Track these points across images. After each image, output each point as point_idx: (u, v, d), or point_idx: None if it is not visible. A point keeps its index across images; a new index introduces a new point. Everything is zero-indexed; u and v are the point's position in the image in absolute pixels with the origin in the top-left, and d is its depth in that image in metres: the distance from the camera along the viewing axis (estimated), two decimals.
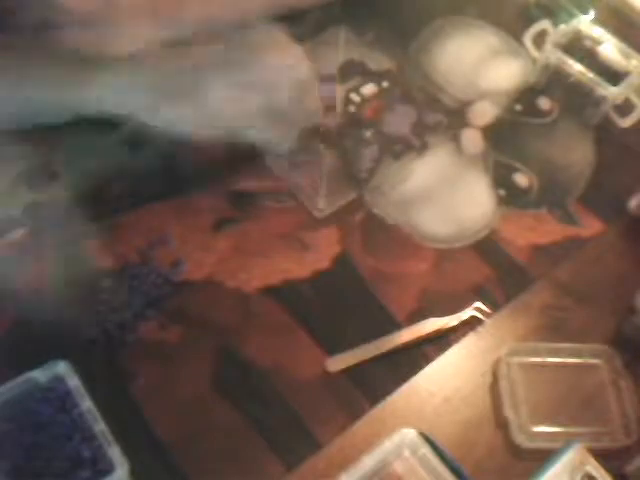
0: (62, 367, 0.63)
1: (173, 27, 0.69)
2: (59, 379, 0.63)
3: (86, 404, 0.62)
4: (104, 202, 0.77)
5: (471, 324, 0.74)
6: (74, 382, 0.63)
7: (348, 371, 0.70)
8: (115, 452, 0.60)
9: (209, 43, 0.66)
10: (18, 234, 0.74)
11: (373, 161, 0.83)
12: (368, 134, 0.84)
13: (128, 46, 0.65)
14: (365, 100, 0.86)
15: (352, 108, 0.85)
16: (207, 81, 0.65)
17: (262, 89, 0.66)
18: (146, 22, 0.67)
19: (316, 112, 0.72)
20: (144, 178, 0.78)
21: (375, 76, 0.89)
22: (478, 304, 0.75)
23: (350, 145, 0.83)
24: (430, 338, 0.73)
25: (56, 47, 0.62)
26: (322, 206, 0.79)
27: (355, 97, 0.86)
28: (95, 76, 0.64)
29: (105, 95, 0.64)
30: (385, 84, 0.88)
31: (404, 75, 0.90)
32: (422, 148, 0.84)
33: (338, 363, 0.71)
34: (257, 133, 0.68)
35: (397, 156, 0.83)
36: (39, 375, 0.63)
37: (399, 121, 0.86)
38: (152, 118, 0.65)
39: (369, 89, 0.87)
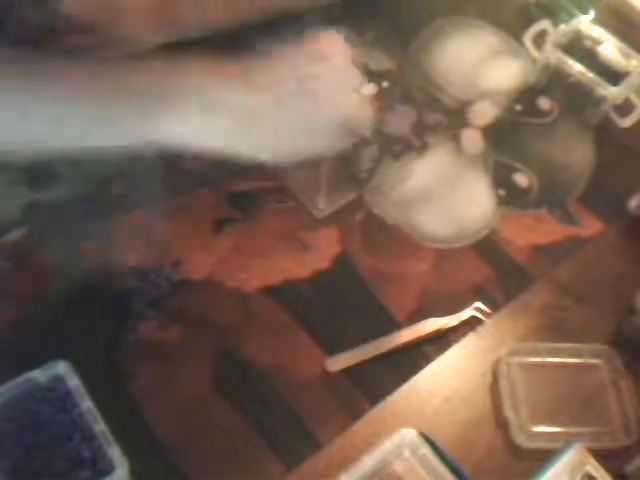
0: (62, 367, 0.63)
1: (175, 28, 0.68)
2: (59, 379, 0.63)
3: (86, 404, 0.62)
4: (104, 202, 0.77)
5: (471, 324, 0.74)
6: (74, 382, 0.63)
7: (348, 371, 0.70)
8: (115, 452, 0.60)
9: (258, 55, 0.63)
10: (18, 234, 0.74)
11: (373, 161, 0.83)
12: (368, 134, 0.84)
13: (131, 49, 0.64)
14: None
15: None
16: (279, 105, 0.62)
17: (327, 104, 0.63)
18: (148, 25, 0.66)
19: (369, 114, 0.69)
20: (144, 178, 0.78)
21: (375, 76, 0.88)
22: (478, 304, 0.75)
23: (350, 145, 0.83)
24: (430, 338, 0.73)
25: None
26: (322, 206, 0.79)
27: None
28: (172, 110, 0.59)
29: (182, 129, 0.59)
30: (385, 84, 0.88)
31: (404, 75, 0.90)
32: (422, 148, 0.84)
33: (338, 363, 0.71)
34: (326, 146, 0.66)
35: (397, 156, 0.83)
36: (39, 375, 0.63)
37: (399, 121, 0.86)
38: (232, 150, 0.62)
39: (369, 89, 0.87)
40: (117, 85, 0.58)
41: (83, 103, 0.58)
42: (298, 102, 0.61)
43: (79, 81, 0.57)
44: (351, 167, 0.82)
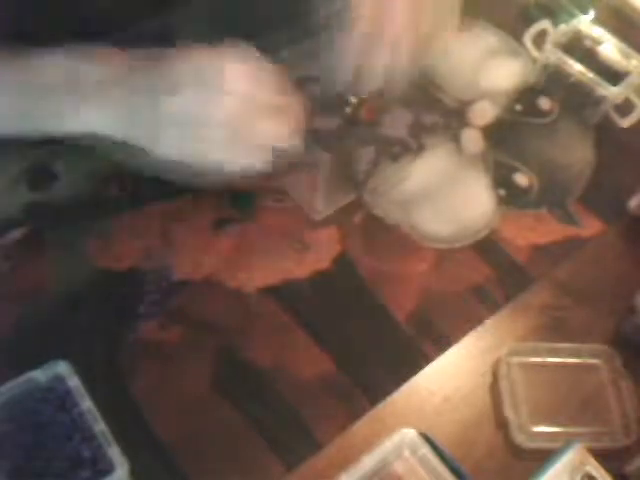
0: (62, 367, 0.63)
1: None
2: (59, 379, 0.63)
3: (86, 404, 0.62)
4: (104, 202, 0.77)
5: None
6: (74, 382, 0.63)
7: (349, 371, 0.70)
8: (115, 452, 0.60)
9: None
10: (18, 234, 0.74)
11: (370, 163, 0.82)
12: (365, 136, 0.84)
13: None
14: (362, 101, 0.86)
15: (349, 109, 0.85)
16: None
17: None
18: None
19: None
20: (144, 178, 0.78)
21: None
22: None
23: (347, 147, 0.83)
24: (430, 338, 0.73)
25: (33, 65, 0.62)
26: (320, 208, 0.79)
27: (352, 98, 0.86)
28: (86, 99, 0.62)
29: (96, 120, 0.63)
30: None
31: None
32: (419, 150, 0.84)
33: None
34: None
35: (395, 158, 0.83)
36: (39, 375, 0.63)
37: (396, 122, 0.86)
38: (153, 146, 0.64)
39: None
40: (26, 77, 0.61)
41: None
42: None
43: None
44: (349, 169, 0.82)
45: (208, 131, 0.64)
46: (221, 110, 0.64)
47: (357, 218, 0.80)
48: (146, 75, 0.64)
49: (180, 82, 0.63)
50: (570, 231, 0.82)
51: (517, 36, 0.93)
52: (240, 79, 0.64)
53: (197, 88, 0.63)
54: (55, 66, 0.62)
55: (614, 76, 0.87)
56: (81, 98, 0.62)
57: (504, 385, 0.70)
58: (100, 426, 0.61)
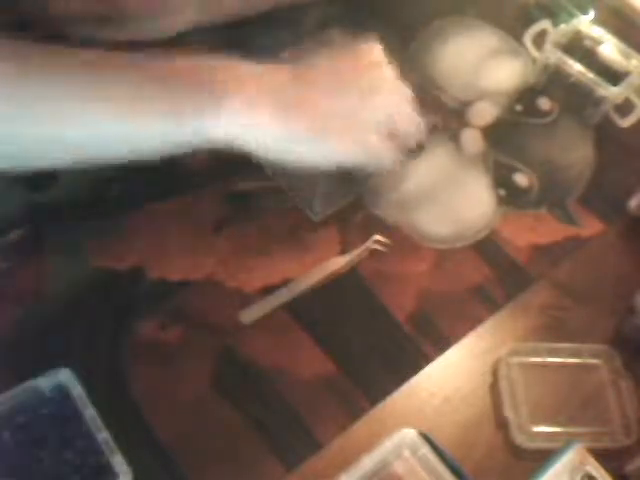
0: (65, 375, 0.63)
1: (215, 12, 0.69)
2: (62, 387, 0.62)
3: (89, 412, 0.61)
4: (104, 202, 0.77)
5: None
6: (77, 390, 0.62)
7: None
8: (118, 460, 0.59)
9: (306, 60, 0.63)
10: (18, 234, 0.74)
11: None
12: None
13: (173, 30, 0.65)
14: None
15: None
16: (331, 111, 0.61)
17: (374, 109, 0.64)
18: (191, 9, 0.67)
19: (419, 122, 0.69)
20: (144, 178, 0.78)
21: None
22: (377, 236, 0.77)
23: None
24: (430, 338, 0.73)
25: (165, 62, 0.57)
26: (318, 209, 0.79)
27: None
28: (221, 102, 0.57)
29: (231, 127, 0.58)
30: None
31: (402, 76, 0.89)
32: (419, 150, 0.84)
33: (253, 314, 0.72)
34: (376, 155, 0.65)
35: None
36: (42, 383, 0.62)
37: None
38: (285, 155, 0.60)
39: None
40: (151, 82, 0.57)
41: (114, 102, 0.56)
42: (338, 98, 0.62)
43: (108, 75, 0.56)
44: (348, 169, 0.81)
45: (360, 130, 0.63)
46: (376, 108, 0.63)
47: (357, 218, 0.80)
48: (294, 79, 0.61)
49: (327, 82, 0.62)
50: (570, 231, 0.82)
51: (517, 36, 0.93)
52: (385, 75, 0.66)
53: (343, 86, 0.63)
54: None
55: (614, 76, 0.87)
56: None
57: (504, 385, 0.70)
58: (103, 434, 0.61)
